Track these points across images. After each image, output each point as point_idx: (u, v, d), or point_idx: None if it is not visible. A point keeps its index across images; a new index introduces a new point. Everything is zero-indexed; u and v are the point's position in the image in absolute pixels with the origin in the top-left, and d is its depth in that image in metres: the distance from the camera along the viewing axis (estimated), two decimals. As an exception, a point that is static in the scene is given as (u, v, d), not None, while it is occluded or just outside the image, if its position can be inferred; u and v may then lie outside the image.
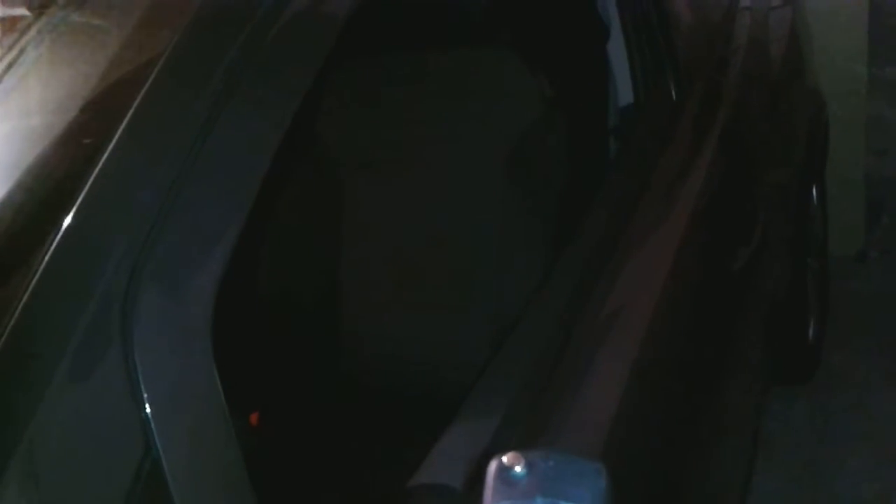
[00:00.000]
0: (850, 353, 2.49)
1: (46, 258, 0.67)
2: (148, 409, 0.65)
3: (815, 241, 2.49)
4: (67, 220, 0.69)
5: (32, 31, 0.97)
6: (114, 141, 0.73)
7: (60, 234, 0.68)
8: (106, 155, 0.72)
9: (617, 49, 1.67)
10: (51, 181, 0.78)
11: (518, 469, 0.41)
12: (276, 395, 1.51)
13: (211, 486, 0.68)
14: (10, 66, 0.93)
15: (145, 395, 0.64)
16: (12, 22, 1.03)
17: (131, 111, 0.75)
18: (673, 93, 1.69)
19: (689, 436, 1.44)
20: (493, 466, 0.41)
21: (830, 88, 2.56)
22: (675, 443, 1.38)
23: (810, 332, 2.43)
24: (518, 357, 1.11)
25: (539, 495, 0.40)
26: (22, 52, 0.94)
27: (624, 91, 1.68)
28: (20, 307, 0.65)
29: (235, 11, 0.85)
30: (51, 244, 0.68)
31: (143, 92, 0.76)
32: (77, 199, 0.70)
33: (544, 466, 0.41)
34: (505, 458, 0.41)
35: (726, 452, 1.66)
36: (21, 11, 1.04)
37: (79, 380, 0.64)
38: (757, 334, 1.89)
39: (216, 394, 0.69)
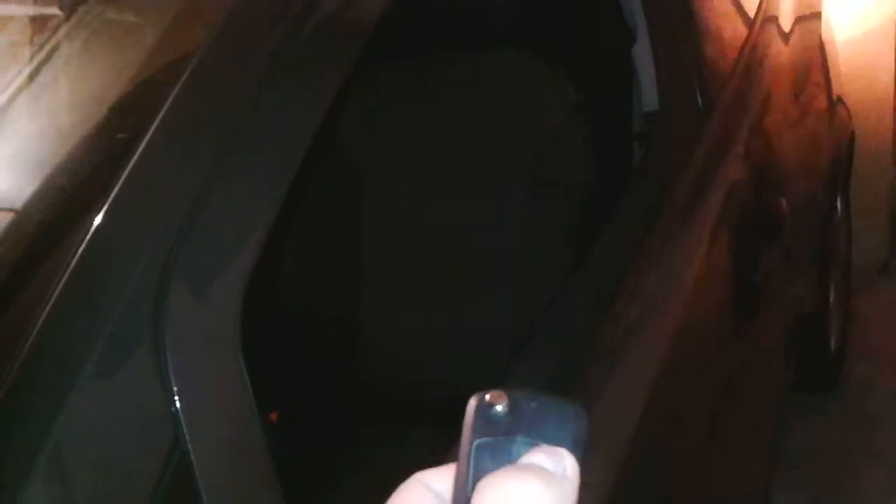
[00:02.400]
0: (872, 365, 2.47)
1: (77, 257, 0.67)
2: (178, 404, 0.65)
3: (839, 252, 2.47)
4: (98, 220, 0.70)
5: (64, 30, 0.98)
6: (145, 141, 0.74)
7: (91, 233, 0.69)
8: (137, 155, 0.73)
9: (643, 55, 1.66)
10: (82, 180, 0.78)
11: (500, 408, 0.40)
12: (296, 393, 1.51)
13: (238, 481, 0.69)
14: (42, 64, 0.94)
15: (175, 390, 0.65)
16: (44, 21, 1.04)
17: (162, 111, 0.76)
18: (698, 101, 1.69)
19: (711, 445, 1.43)
20: (473, 402, 0.40)
21: (856, 99, 2.55)
22: (697, 453, 1.37)
23: (833, 342, 2.42)
24: (539, 363, 1.11)
25: (520, 434, 0.40)
26: (54, 50, 0.95)
27: (649, 97, 1.67)
28: (51, 306, 0.65)
29: (268, 11, 0.85)
30: (82, 243, 0.68)
31: (174, 92, 0.77)
32: (108, 198, 0.70)
33: (527, 406, 0.40)
34: (487, 396, 0.40)
35: (747, 464, 1.65)
36: (53, 10, 1.04)
37: (109, 377, 0.65)
38: (780, 345, 1.88)
39: (245, 390, 0.69)
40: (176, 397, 0.65)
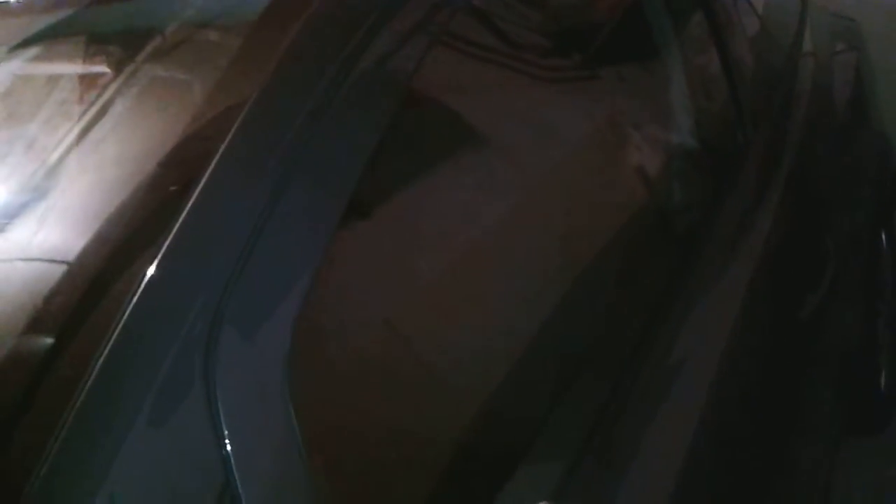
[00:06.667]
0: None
1: (131, 306, 0.69)
2: (228, 448, 0.66)
3: (886, 286, 2.43)
4: (151, 270, 0.72)
5: (115, 86, 1.01)
6: (196, 191, 0.76)
7: (144, 282, 0.71)
8: (188, 205, 0.75)
9: (681, 91, 1.66)
10: (133, 232, 0.81)
11: None
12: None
13: None
14: (93, 121, 0.97)
15: (226, 434, 0.66)
16: (93, 79, 1.07)
17: (212, 163, 0.78)
18: (738, 137, 1.68)
19: (759, 492, 1.40)
20: None
21: (897, 132, 2.52)
22: (744, 501, 1.34)
23: (882, 380, 2.36)
24: (582, 405, 1.10)
25: None
26: (105, 108, 0.98)
27: (687, 135, 1.67)
28: (105, 353, 0.67)
29: (315, 64, 0.87)
30: (136, 293, 0.70)
31: (224, 143, 0.79)
32: (160, 248, 0.72)
33: None
34: None
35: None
36: (101, 68, 1.08)
37: (161, 424, 0.66)
38: (828, 385, 1.84)
39: (293, 433, 0.70)
40: (227, 441, 0.66)
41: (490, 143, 1.21)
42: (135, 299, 0.70)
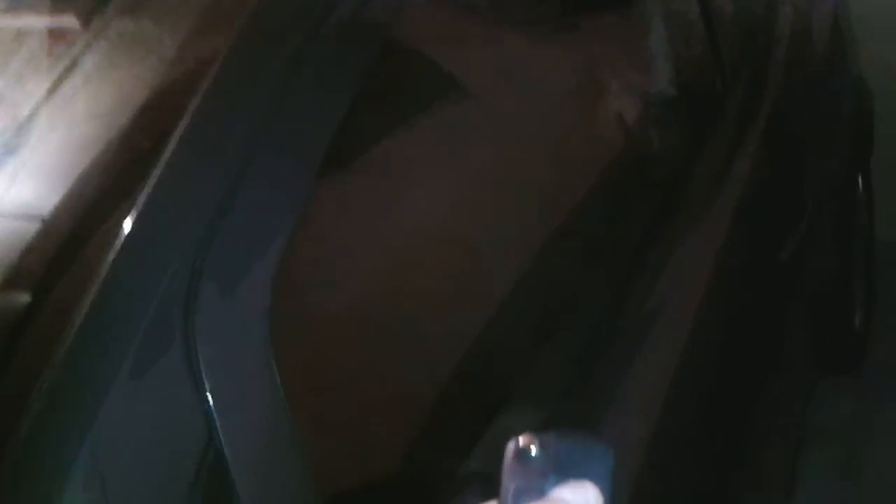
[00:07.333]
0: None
1: (109, 261, 0.69)
2: (210, 402, 0.66)
3: (861, 229, 2.45)
4: (128, 224, 0.71)
5: (83, 40, 0.99)
6: (170, 146, 0.75)
7: (122, 237, 0.70)
8: (163, 160, 0.74)
9: (658, 40, 1.65)
10: (108, 187, 0.80)
11: (533, 449, 0.44)
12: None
13: (273, 477, 0.70)
14: (63, 77, 0.95)
15: (207, 388, 0.66)
16: (62, 33, 1.05)
17: (186, 117, 0.77)
18: (717, 83, 1.68)
19: (736, 427, 1.43)
20: (510, 448, 0.44)
21: (874, 77, 2.53)
22: (722, 434, 1.37)
23: (857, 320, 2.40)
24: (565, 348, 1.11)
25: (552, 473, 0.44)
26: (75, 62, 0.96)
27: (666, 83, 1.67)
28: (85, 309, 0.67)
29: (287, 15, 0.86)
30: (112, 247, 0.69)
31: (197, 98, 0.78)
32: (136, 203, 0.72)
33: (556, 447, 0.44)
34: (521, 440, 0.44)
35: (773, 445, 1.65)
36: (71, 22, 1.06)
37: (142, 377, 0.66)
38: (804, 324, 1.87)
39: (276, 386, 0.71)
40: (209, 395, 0.66)
41: (469, 94, 1.20)
42: (112, 255, 0.69)
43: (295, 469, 0.71)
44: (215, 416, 0.66)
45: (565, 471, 0.44)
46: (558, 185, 1.30)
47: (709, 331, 1.31)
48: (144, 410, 0.66)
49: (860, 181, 2.44)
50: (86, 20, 1.05)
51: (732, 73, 1.72)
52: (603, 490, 0.44)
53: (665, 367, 1.20)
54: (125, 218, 0.71)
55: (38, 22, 1.12)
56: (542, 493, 0.44)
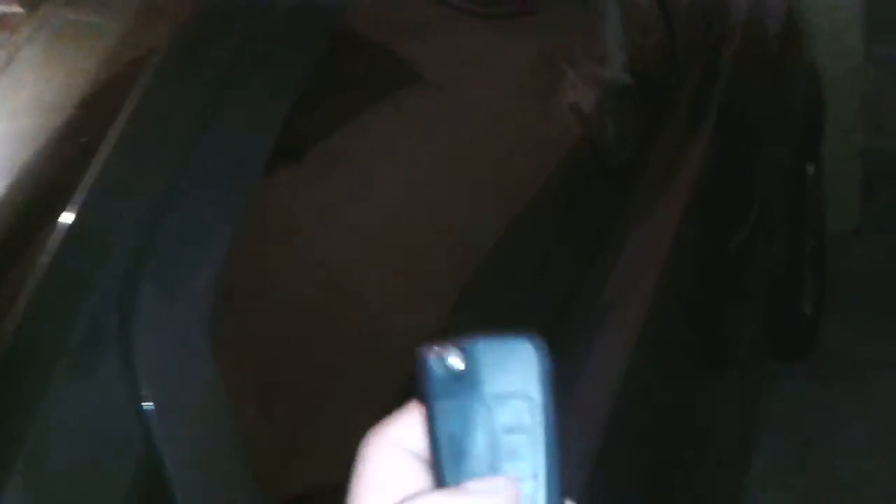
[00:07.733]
0: (847, 329, 2.50)
1: (45, 258, 0.67)
2: (148, 406, 0.65)
3: (812, 217, 2.49)
4: (65, 220, 0.69)
5: (26, 29, 0.96)
6: (110, 141, 0.73)
7: (59, 233, 0.68)
8: (102, 156, 0.72)
9: (612, 31, 1.66)
10: (47, 182, 0.78)
11: (454, 362, 0.36)
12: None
13: (213, 482, 0.69)
14: (3, 65, 0.92)
15: (145, 393, 0.65)
16: (4, 20, 1.02)
17: (127, 110, 0.75)
18: (672, 72, 1.69)
19: (688, 410, 1.45)
20: (425, 360, 0.36)
21: (826, 64, 2.56)
22: (675, 417, 1.39)
23: (808, 306, 2.45)
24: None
25: (483, 387, 0.36)
26: (16, 50, 0.94)
27: (621, 71, 1.67)
28: (21, 308, 0.65)
29: (230, 8, 0.84)
30: (49, 244, 0.68)
31: (138, 90, 0.76)
32: (75, 198, 0.70)
33: (482, 355, 0.36)
34: (438, 350, 0.36)
35: (725, 429, 1.67)
36: (14, 9, 1.03)
37: (79, 379, 0.65)
38: (755, 310, 1.90)
39: (217, 390, 0.69)
40: (147, 400, 0.65)
41: (423, 81, 1.19)
42: (48, 254, 0.67)
43: (237, 473, 0.70)
44: (152, 419, 0.65)
45: (498, 382, 0.36)
46: (514, 173, 1.30)
47: (661, 317, 1.32)
48: (82, 412, 0.65)
49: (811, 168, 2.48)
50: (30, 7, 1.02)
51: (687, 62, 1.73)
52: (546, 393, 0.37)
53: (618, 352, 1.21)
54: (61, 216, 0.69)
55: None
56: (476, 413, 0.36)
